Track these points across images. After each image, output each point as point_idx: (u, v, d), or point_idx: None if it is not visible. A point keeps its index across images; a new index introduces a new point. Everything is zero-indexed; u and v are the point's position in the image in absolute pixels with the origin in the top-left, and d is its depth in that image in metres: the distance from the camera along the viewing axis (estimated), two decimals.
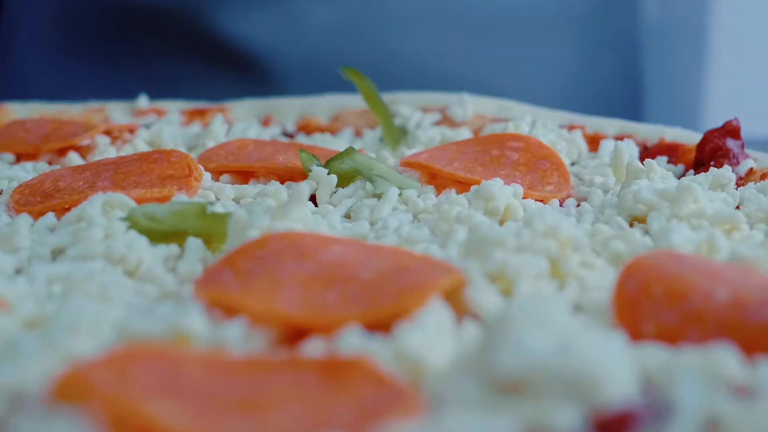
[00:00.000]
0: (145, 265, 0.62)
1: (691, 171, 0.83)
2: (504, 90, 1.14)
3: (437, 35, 1.32)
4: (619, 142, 0.84)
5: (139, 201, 0.71)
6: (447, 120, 0.97)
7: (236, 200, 0.77)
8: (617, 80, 1.46)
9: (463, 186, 0.76)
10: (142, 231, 0.65)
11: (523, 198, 0.74)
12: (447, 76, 1.31)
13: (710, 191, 0.73)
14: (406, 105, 0.99)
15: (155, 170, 0.77)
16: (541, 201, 0.76)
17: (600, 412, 0.43)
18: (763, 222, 0.69)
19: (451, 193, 0.74)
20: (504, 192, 0.72)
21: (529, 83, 1.36)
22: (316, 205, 0.75)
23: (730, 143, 0.81)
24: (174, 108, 1.03)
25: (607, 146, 0.87)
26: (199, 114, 1.02)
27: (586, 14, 1.40)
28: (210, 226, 0.65)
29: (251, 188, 0.78)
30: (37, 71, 1.38)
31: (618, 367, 0.44)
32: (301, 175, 0.78)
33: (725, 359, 0.46)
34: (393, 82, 1.17)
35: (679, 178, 0.79)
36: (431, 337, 0.49)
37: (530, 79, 1.37)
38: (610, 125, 0.92)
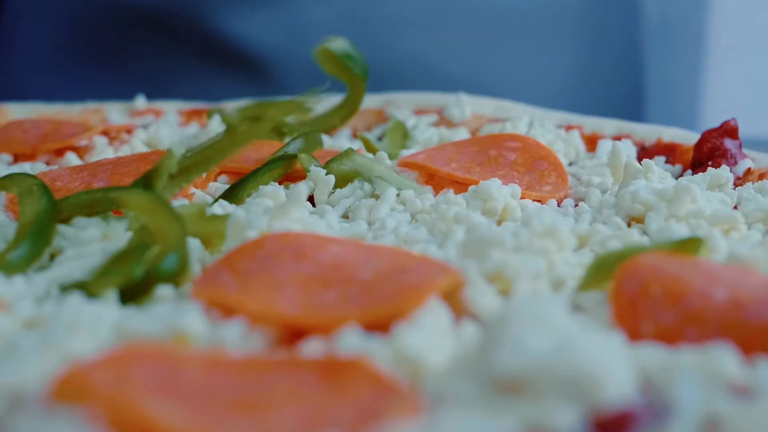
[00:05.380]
0: None
1: (689, 171, 0.83)
2: (504, 90, 1.14)
3: (437, 35, 1.33)
4: (617, 142, 0.84)
5: None
6: (444, 120, 0.97)
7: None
8: (617, 80, 1.46)
9: (461, 186, 0.76)
10: None
11: (521, 198, 0.74)
12: (447, 76, 1.31)
13: (708, 191, 0.73)
14: (402, 109, 0.99)
15: None
16: (539, 201, 0.76)
17: (599, 411, 0.43)
18: (761, 222, 0.69)
19: (449, 193, 0.74)
20: (502, 192, 0.72)
21: (530, 83, 1.37)
22: (314, 205, 0.75)
23: (728, 143, 0.81)
24: (171, 108, 1.03)
25: (604, 146, 0.87)
26: (197, 114, 1.02)
27: (586, 14, 1.40)
28: (210, 229, 0.65)
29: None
30: (37, 72, 1.38)
31: (617, 367, 0.44)
32: (299, 175, 0.78)
33: (724, 359, 0.46)
34: (393, 82, 1.18)
35: (677, 178, 0.79)
36: (430, 338, 0.49)
37: (530, 80, 1.37)
38: (607, 125, 0.92)
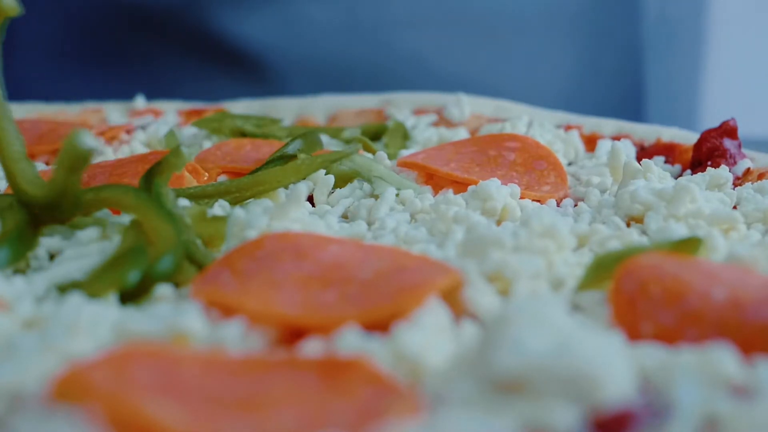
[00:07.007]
0: None
1: (688, 171, 0.83)
2: (504, 90, 1.14)
3: (437, 35, 1.33)
4: (616, 142, 0.85)
5: None
6: (444, 120, 0.97)
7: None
8: (617, 80, 1.46)
9: (460, 186, 0.76)
10: None
11: (521, 198, 0.74)
12: (447, 76, 1.32)
13: (707, 191, 0.73)
14: (401, 109, 0.99)
15: None
16: (538, 201, 0.76)
17: (598, 411, 0.43)
18: (760, 222, 0.69)
19: (449, 193, 0.74)
20: (501, 192, 0.72)
21: (530, 83, 1.37)
22: (313, 205, 0.75)
23: (727, 143, 0.82)
24: (171, 108, 1.03)
25: (604, 146, 0.87)
26: (196, 114, 1.02)
27: (585, 14, 1.40)
28: (211, 230, 0.65)
29: None
30: (37, 72, 1.38)
31: (616, 367, 0.44)
32: None
33: (723, 359, 0.47)
34: (392, 82, 1.18)
35: (676, 178, 0.79)
36: (429, 337, 0.49)
37: (531, 80, 1.37)
38: (607, 125, 0.93)
